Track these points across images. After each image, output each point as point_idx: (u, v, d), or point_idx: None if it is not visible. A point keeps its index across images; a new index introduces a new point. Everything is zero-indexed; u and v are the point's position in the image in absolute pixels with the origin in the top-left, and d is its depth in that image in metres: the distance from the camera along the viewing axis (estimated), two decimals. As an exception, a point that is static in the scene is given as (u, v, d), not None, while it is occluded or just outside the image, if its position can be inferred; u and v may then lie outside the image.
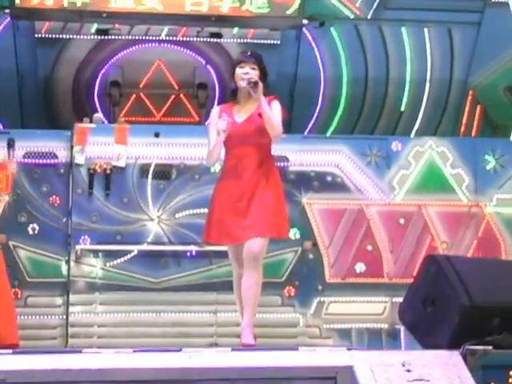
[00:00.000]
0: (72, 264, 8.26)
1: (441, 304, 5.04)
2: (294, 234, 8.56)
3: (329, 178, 8.73)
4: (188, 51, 9.75)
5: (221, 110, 5.88)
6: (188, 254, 8.34)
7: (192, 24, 9.32)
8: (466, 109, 10.11)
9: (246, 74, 5.72)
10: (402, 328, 8.07)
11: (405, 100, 10.07)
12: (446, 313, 4.96)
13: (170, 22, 9.35)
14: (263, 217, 5.64)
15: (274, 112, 5.79)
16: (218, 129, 5.67)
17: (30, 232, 8.30)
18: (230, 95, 5.94)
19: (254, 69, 5.77)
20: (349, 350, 4.85)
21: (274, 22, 9.38)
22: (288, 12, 9.23)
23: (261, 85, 5.67)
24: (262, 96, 5.70)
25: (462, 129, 10.13)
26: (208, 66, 9.76)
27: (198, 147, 8.11)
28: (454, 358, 4.54)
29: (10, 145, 6.06)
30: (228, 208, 5.68)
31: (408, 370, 4.36)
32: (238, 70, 5.78)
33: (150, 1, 9.12)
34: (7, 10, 9.10)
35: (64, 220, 8.37)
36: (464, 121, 10.13)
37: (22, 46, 9.47)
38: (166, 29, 9.58)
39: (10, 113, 9.43)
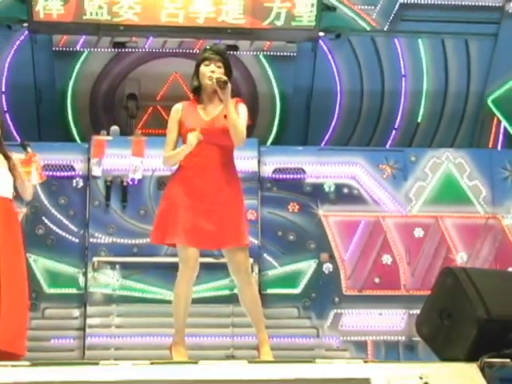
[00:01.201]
0: (89, 276, 8.29)
1: (458, 316, 5.01)
2: (310, 245, 8.56)
3: (345, 190, 8.73)
4: (204, 64, 9.78)
5: (184, 107, 5.55)
6: (206, 266, 8.34)
7: (208, 37, 9.33)
8: (483, 120, 10.09)
9: (213, 72, 5.40)
10: (420, 340, 8.03)
11: (421, 112, 10.07)
12: (463, 325, 4.93)
13: (185, 34, 9.37)
14: (239, 225, 5.46)
15: (240, 116, 5.42)
16: (188, 141, 5.35)
17: (48, 244, 8.34)
18: (192, 93, 5.58)
19: (219, 67, 5.45)
20: (366, 362, 4.83)
21: (291, 34, 9.37)
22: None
23: (229, 85, 5.33)
24: (230, 98, 5.35)
25: (479, 140, 10.10)
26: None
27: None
28: (471, 370, 4.51)
29: (26, 145, 6.22)
30: (194, 209, 5.36)
31: (425, 383, 4.34)
32: (204, 68, 5.45)
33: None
34: (25, 24, 9.16)
35: (81, 232, 8.41)
36: (481, 132, 10.11)
37: (40, 60, 9.53)
38: (182, 41, 9.62)
39: (28, 126, 9.50)
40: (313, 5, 9.17)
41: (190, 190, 5.39)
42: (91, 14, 9.06)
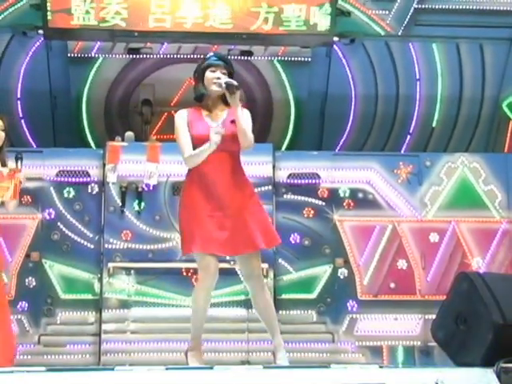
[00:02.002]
0: (104, 281, 8.30)
1: (473, 321, 5.00)
2: (325, 250, 8.55)
3: (360, 195, 8.72)
4: (219, 69, 9.78)
5: (189, 114, 5.53)
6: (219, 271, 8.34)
7: (222, 42, 9.34)
8: (498, 125, 10.05)
9: (219, 78, 5.39)
10: (435, 345, 8.00)
11: (436, 116, 10.05)
12: (479, 330, 4.91)
13: (199, 40, 9.37)
14: (254, 229, 5.38)
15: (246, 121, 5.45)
16: (213, 139, 5.25)
17: (63, 250, 8.37)
18: (196, 100, 5.57)
19: (224, 74, 5.44)
20: (381, 367, 4.82)
21: (305, 39, 9.36)
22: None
23: (239, 90, 5.33)
24: (239, 102, 5.35)
25: (494, 145, 10.07)
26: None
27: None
28: (487, 375, 4.49)
29: (18, 158, 6.05)
30: (208, 216, 5.34)
31: (441, 388, 4.33)
32: (210, 74, 5.44)
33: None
34: (40, 31, 9.20)
35: (96, 238, 8.43)
36: (496, 137, 10.07)
37: (55, 66, 9.57)
38: (196, 47, 9.63)
39: (43, 132, 9.55)
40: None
41: (204, 197, 5.39)
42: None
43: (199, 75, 5.52)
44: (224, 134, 5.34)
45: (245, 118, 5.40)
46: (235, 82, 5.34)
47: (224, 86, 5.34)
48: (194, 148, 5.39)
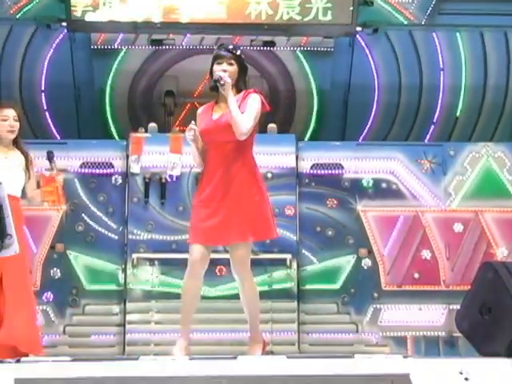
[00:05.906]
0: (128, 272, 8.34)
1: (498, 311, 4.98)
2: (349, 241, 8.54)
3: (384, 185, 8.69)
4: (241, 60, 9.78)
5: (203, 110, 5.62)
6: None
7: (244, 33, 9.34)
8: (523, 114, 10.00)
9: (224, 71, 5.40)
10: (460, 335, 7.98)
11: (460, 106, 9.99)
12: (504, 320, 4.90)
13: (222, 31, 9.37)
14: (247, 220, 5.39)
15: (246, 106, 5.41)
16: (186, 136, 5.46)
17: (88, 241, 8.41)
18: (211, 92, 5.57)
19: (231, 64, 5.44)
20: (405, 357, 4.82)
21: (328, 29, 9.34)
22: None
23: (227, 81, 5.33)
24: (230, 92, 5.35)
25: (519, 134, 10.02)
26: (261, 75, 9.77)
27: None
28: (512, 366, 4.49)
29: (50, 157, 6.04)
30: (205, 208, 5.45)
31: (466, 379, 4.31)
32: (215, 67, 5.46)
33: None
34: (64, 23, 9.24)
35: (120, 229, 8.46)
36: (521, 126, 10.03)
37: (79, 58, 9.61)
38: (219, 38, 9.63)
39: (67, 123, 9.59)
40: None
41: (203, 188, 5.49)
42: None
43: (210, 68, 5.54)
44: (219, 126, 5.39)
45: (245, 104, 5.40)
46: (218, 75, 5.35)
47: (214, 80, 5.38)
48: (204, 143, 5.53)
